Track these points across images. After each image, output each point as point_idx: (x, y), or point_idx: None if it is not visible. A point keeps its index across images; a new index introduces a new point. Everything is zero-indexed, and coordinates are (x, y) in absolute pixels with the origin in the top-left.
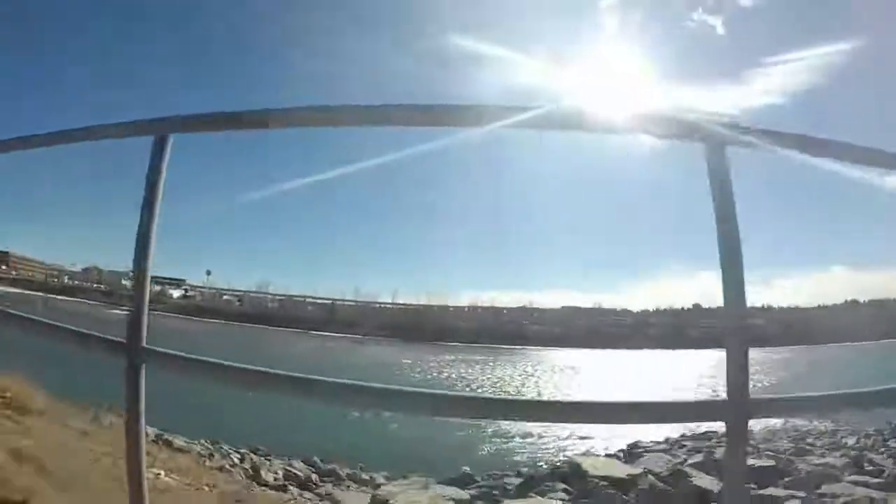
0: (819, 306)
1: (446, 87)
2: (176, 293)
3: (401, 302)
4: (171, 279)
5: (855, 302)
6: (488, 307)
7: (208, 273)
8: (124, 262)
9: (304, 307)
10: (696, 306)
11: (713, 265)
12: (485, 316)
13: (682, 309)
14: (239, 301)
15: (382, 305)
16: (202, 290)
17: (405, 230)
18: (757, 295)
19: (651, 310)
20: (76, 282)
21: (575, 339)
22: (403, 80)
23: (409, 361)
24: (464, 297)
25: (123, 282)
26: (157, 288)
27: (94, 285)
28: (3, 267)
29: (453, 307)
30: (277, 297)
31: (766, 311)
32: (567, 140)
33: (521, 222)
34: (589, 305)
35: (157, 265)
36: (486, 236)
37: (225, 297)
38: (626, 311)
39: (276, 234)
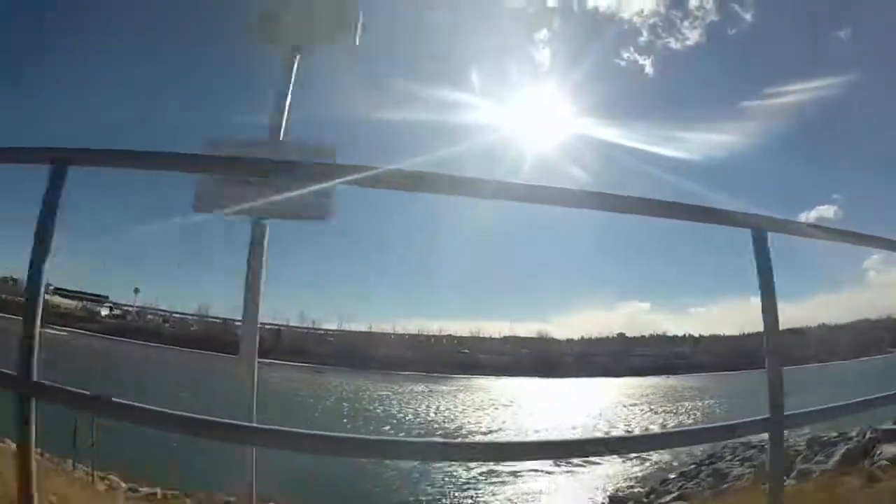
0: (743, 334)
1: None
2: (103, 311)
3: (347, 329)
4: (92, 295)
5: None
6: (442, 335)
7: (136, 291)
8: (63, 278)
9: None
10: (621, 335)
11: (634, 295)
12: (438, 345)
13: (608, 337)
14: (192, 325)
15: (328, 332)
16: (130, 308)
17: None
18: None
19: (576, 339)
20: None
21: (524, 369)
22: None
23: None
24: (411, 325)
25: (47, 297)
26: (79, 304)
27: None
28: None
29: (401, 334)
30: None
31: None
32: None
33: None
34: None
35: (76, 278)
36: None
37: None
38: (570, 341)
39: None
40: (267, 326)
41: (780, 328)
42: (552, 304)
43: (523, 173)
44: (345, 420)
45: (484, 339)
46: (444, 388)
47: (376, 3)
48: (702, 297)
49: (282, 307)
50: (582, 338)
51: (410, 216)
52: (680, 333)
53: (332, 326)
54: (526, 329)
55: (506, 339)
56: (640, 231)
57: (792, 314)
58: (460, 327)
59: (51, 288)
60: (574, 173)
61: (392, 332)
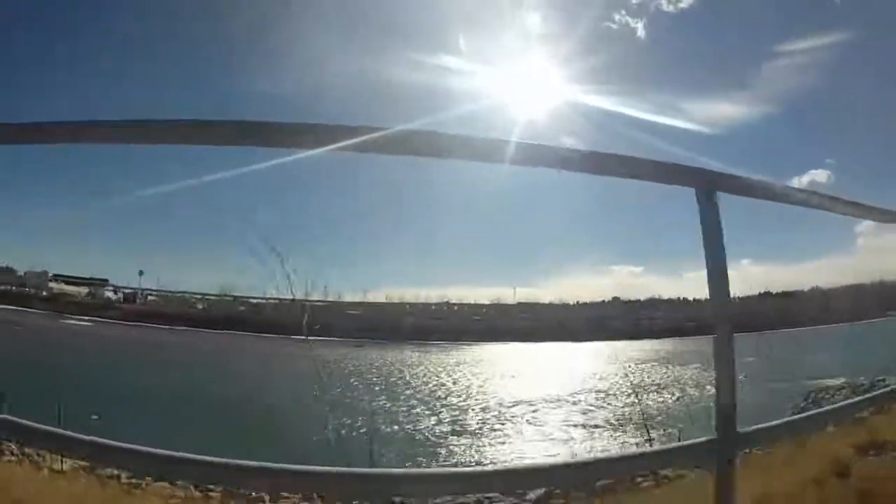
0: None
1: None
2: (111, 295)
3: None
4: (92, 280)
5: (768, 293)
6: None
7: (141, 273)
8: (42, 262)
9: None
10: (616, 299)
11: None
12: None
13: (604, 302)
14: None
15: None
16: (151, 292)
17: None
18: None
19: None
20: None
21: (545, 333)
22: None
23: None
24: (421, 293)
25: (51, 284)
26: (83, 290)
27: (13, 289)
28: None
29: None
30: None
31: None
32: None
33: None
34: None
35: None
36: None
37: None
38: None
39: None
40: (305, 302)
41: (773, 292)
42: (540, 270)
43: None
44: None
45: (496, 305)
46: (478, 354)
47: None
48: (695, 260)
49: (303, 281)
50: (577, 302)
51: (390, 182)
52: (675, 297)
53: (356, 299)
54: (522, 294)
55: (520, 306)
56: (628, 192)
57: (782, 277)
58: (465, 293)
59: (50, 275)
60: (567, 142)
61: (410, 301)
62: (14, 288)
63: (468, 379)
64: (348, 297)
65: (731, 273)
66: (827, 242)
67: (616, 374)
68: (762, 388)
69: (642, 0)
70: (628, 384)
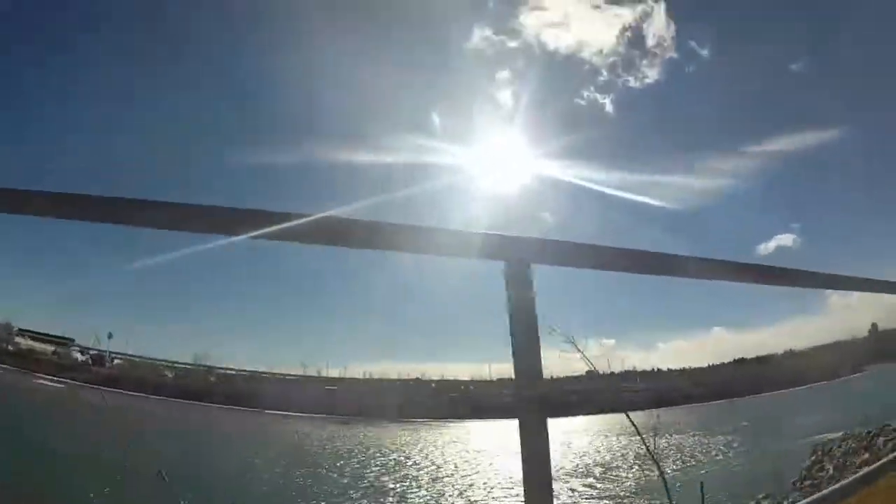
0: (709, 366)
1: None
2: (79, 356)
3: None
4: (57, 337)
5: (742, 360)
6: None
7: (110, 336)
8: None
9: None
10: (590, 372)
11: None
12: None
13: (576, 377)
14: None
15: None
16: (105, 353)
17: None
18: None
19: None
20: None
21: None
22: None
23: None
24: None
25: (17, 339)
26: (49, 347)
27: None
28: None
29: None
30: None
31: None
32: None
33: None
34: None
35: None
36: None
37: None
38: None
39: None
40: (288, 377)
41: (747, 357)
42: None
43: (488, 216)
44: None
45: (477, 381)
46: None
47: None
48: (667, 330)
49: (284, 356)
50: (552, 377)
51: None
52: (649, 368)
53: (335, 374)
54: (498, 370)
55: (501, 382)
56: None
57: (756, 341)
58: (441, 370)
59: (15, 329)
60: (538, 216)
61: (388, 377)
62: None
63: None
64: (327, 372)
65: (704, 342)
66: (800, 302)
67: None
68: (770, 449)
69: (610, 78)
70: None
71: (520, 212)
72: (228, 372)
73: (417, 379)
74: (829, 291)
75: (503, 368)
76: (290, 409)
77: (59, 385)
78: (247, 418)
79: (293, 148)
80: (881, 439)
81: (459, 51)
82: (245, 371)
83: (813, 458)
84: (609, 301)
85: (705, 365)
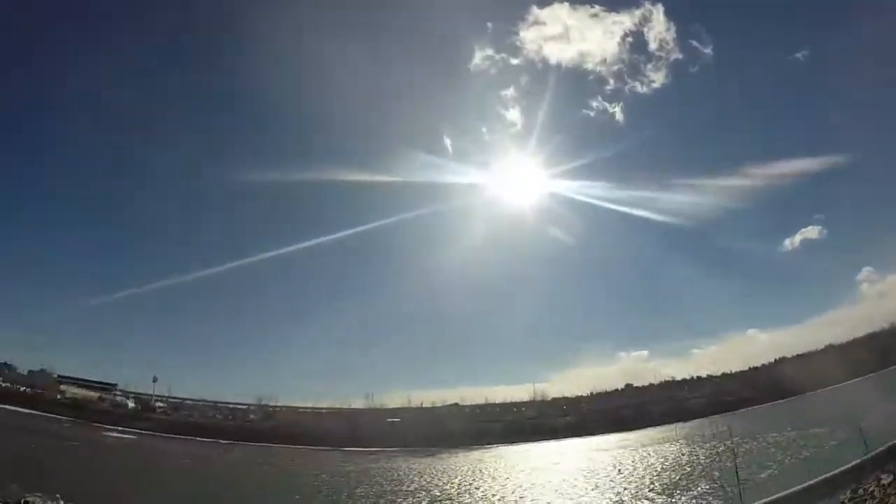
0: (751, 368)
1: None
2: (129, 403)
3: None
4: (100, 383)
5: (783, 359)
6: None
7: (155, 380)
8: (40, 360)
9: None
10: (629, 386)
11: (633, 346)
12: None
13: (616, 390)
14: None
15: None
16: (154, 397)
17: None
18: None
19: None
20: None
21: (594, 426)
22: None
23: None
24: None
25: (63, 387)
26: (94, 394)
27: (25, 389)
28: None
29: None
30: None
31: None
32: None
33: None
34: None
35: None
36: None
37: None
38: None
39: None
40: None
41: (787, 356)
42: (545, 364)
43: (503, 234)
44: None
45: (526, 402)
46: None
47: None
48: (701, 336)
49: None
50: (591, 393)
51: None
52: (687, 376)
53: (398, 404)
54: (523, 390)
55: (554, 402)
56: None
57: (792, 341)
58: (482, 394)
59: (54, 376)
60: (554, 234)
61: (443, 403)
62: (24, 388)
63: None
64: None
65: (740, 345)
66: (828, 294)
67: None
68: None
69: (617, 86)
70: None
71: (533, 229)
72: (304, 410)
73: (481, 404)
74: (859, 279)
75: (543, 388)
76: (393, 444)
77: (131, 436)
78: (335, 457)
79: (316, 168)
80: None
81: (463, 72)
82: (321, 408)
83: None
84: (637, 311)
85: (746, 368)
